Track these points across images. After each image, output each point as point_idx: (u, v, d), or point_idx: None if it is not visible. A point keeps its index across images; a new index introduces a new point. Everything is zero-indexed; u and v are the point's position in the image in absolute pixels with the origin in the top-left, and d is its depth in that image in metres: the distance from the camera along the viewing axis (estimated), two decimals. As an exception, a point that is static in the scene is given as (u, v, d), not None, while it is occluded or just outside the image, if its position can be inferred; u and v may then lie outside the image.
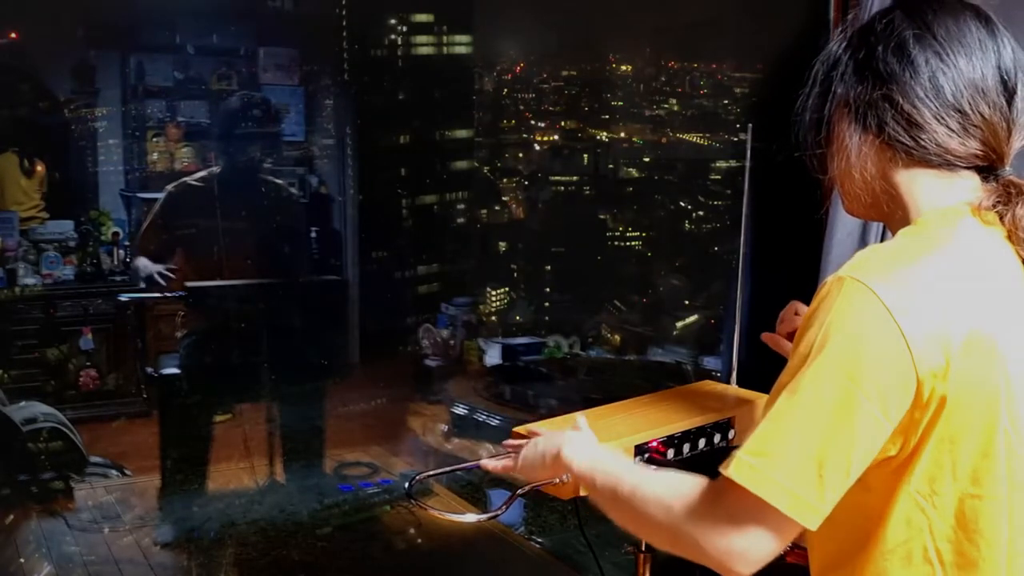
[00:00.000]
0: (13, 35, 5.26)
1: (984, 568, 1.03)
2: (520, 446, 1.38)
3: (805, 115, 1.17)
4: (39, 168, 5.29)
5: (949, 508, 1.03)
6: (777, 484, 0.96)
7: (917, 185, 1.10)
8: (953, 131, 1.07)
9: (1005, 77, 1.08)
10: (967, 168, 1.10)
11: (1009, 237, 1.08)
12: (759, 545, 0.98)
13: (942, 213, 1.08)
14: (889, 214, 1.14)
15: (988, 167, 1.10)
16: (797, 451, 0.97)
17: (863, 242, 2.15)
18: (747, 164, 1.93)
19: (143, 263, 3.81)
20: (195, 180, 3.80)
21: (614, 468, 1.17)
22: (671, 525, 1.03)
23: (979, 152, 1.08)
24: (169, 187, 3.81)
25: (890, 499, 1.03)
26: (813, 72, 1.17)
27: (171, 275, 3.76)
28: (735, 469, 0.98)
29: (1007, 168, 1.11)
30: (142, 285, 3.98)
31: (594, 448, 1.25)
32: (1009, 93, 1.08)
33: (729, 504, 0.99)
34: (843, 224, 2.18)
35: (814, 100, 1.16)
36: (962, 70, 1.07)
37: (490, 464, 1.43)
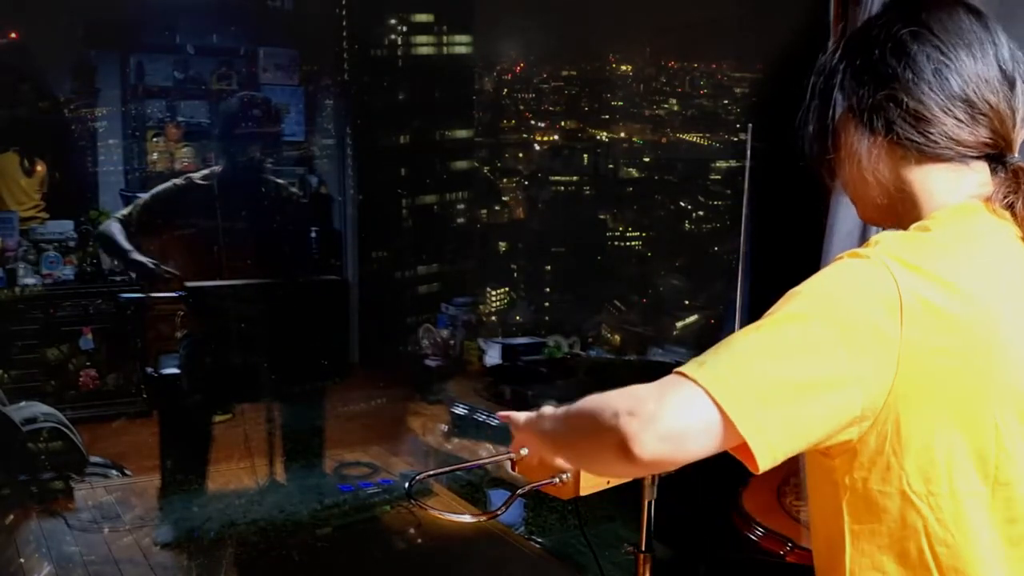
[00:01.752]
0: (13, 35, 5.27)
1: (979, 568, 1.03)
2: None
3: (808, 128, 1.17)
4: (39, 168, 5.30)
5: (945, 509, 1.02)
6: (744, 402, 0.92)
7: (931, 181, 1.10)
8: (962, 121, 1.07)
9: (1003, 67, 1.09)
10: (978, 158, 1.10)
11: (1020, 225, 1.08)
12: (675, 418, 0.91)
13: (956, 210, 1.09)
14: (903, 215, 1.13)
15: (997, 156, 1.10)
16: (772, 379, 0.94)
17: (863, 241, 2.15)
18: (747, 164, 1.93)
19: (114, 228, 3.76)
20: (199, 178, 3.81)
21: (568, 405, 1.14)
22: (597, 405, 0.99)
23: (988, 140, 1.08)
24: (174, 180, 3.82)
25: (885, 499, 1.03)
26: (811, 85, 1.17)
27: (148, 261, 3.72)
28: (704, 375, 0.93)
29: (1015, 155, 1.11)
30: (114, 249, 3.89)
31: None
32: (1009, 83, 1.09)
33: (671, 388, 0.93)
34: (843, 224, 2.18)
35: (815, 112, 1.16)
36: (964, 61, 1.07)
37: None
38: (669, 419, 0.92)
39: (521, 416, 1.28)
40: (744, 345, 0.96)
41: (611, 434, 0.94)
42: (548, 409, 1.22)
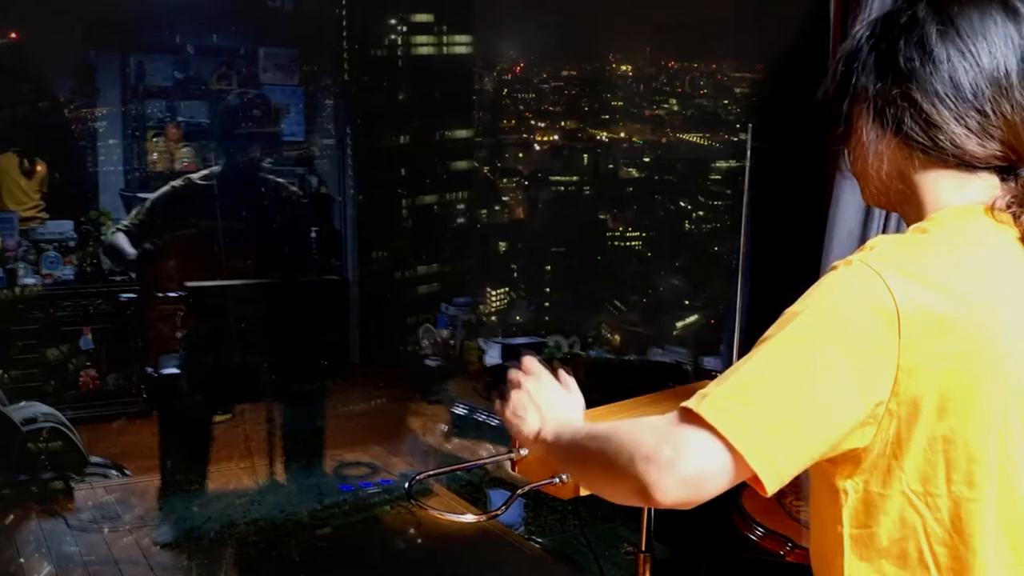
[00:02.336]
0: (13, 35, 5.27)
1: (977, 571, 1.03)
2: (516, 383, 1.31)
3: (824, 108, 1.15)
4: (39, 168, 5.30)
5: (943, 509, 1.02)
6: (750, 433, 0.93)
7: (933, 184, 1.09)
8: (972, 131, 1.05)
9: None
10: (986, 168, 1.08)
11: (1022, 239, 1.06)
12: (693, 464, 0.93)
13: (955, 212, 1.07)
14: (902, 211, 1.13)
15: (1008, 167, 1.08)
16: (775, 405, 0.95)
17: (863, 242, 2.15)
18: (747, 164, 1.93)
19: (121, 240, 3.78)
20: (199, 178, 3.81)
21: (582, 423, 1.16)
22: (611, 444, 1.00)
23: (999, 153, 1.07)
24: (173, 182, 3.82)
25: (882, 498, 1.03)
26: (835, 62, 1.15)
27: (149, 249, 3.72)
28: (708, 409, 0.95)
29: None
30: (121, 259, 3.92)
31: (569, 416, 1.24)
32: None
33: (683, 428, 0.95)
34: (843, 224, 2.18)
35: (833, 92, 1.14)
36: (984, 67, 1.05)
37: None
38: (686, 465, 0.94)
39: (526, 429, 1.26)
40: (748, 375, 0.97)
41: (630, 479, 0.96)
42: (556, 418, 1.22)
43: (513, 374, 1.32)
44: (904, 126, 1.07)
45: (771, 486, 0.95)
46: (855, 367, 0.96)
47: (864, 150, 1.12)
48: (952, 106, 1.05)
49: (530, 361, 1.32)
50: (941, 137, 1.06)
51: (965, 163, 1.07)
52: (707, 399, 0.96)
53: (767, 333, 1.00)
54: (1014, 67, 1.05)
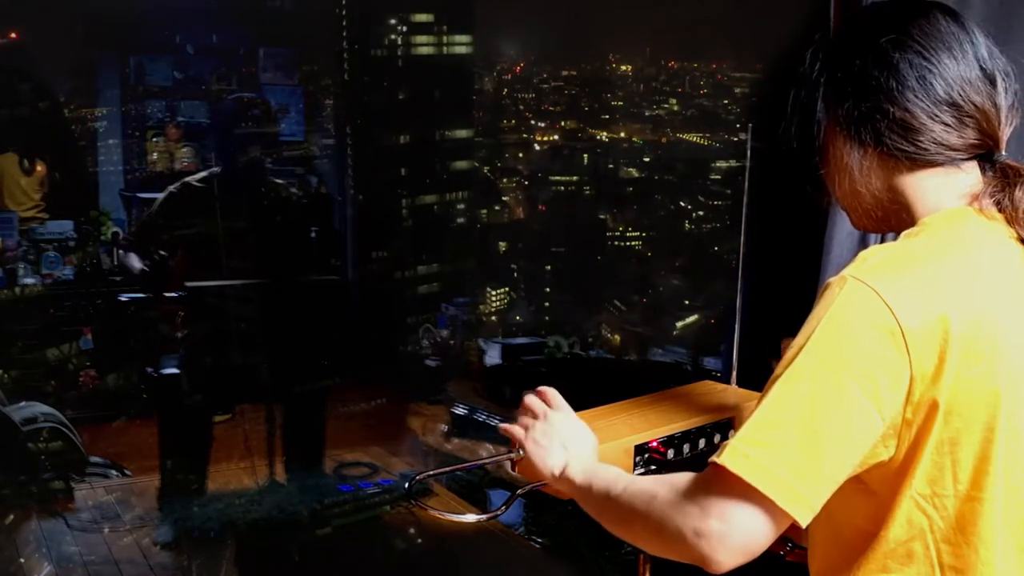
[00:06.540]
0: (13, 35, 5.27)
1: (981, 571, 1.03)
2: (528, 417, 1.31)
3: (792, 143, 1.17)
4: (39, 168, 5.29)
5: (949, 510, 1.03)
6: (773, 475, 0.95)
7: (923, 187, 1.10)
8: (949, 126, 1.07)
9: (983, 66, 1.09)
10: (968, 160, 1.10)
11: (1008, 222, 1.08)
12: (741, 531, 0.96)
13: (946, 216, 1.08)
14: (897, 223, 1.13)
15: (986, 155, 1.10)
16: (794, 443, 0.96)
17: (863, 242, 2.15)
18: (747, 164, 1.93)
19: (132, 259, 3.81)
20: (196, 180, 3.81)
21: (611, 473, 1.18)
22: (654, 513, 1.02)
23: (977, 141, 1.09)
24: (171, 187, 3.82)
25: (891, 501, 1.04)
26: (791, 99, 1.16)
27: (158, 260, 3.73)
28: (730, 458, 0.96)
29: (1003, 153, 1.11)
30: (135, 277, 3.96)
31: (593, 461, 1.25)
32: (991, 81, 1.09)
33: (718, 490, 0.97)
34: (843, 224, 2.18)
35: (799, 126, 1.15)
36: (947, 64, 1.07)
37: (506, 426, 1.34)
38: (736, 534, 0.96)
39: (550, 462, 1.25)
40: (763, 417, 0.99)
41: (685, 551, 0.98)
42: (578, 464, 1.22)
43: (536, 404, 1.31)
44: (884, 138, 1.08)
45: (804, 520, 0.97)
46: (868, 389, 0.97)
47: (848, 171, 1.12)
48: (925, 107, 1.07)
49: (554, 394, 1.33)
50: (922, 139, 1.07)
51: (950, 159, 1.09)
52: (728, 449, 0.97)
53: (776, 371, 1.01)
54: (971, 62, 1.08)
